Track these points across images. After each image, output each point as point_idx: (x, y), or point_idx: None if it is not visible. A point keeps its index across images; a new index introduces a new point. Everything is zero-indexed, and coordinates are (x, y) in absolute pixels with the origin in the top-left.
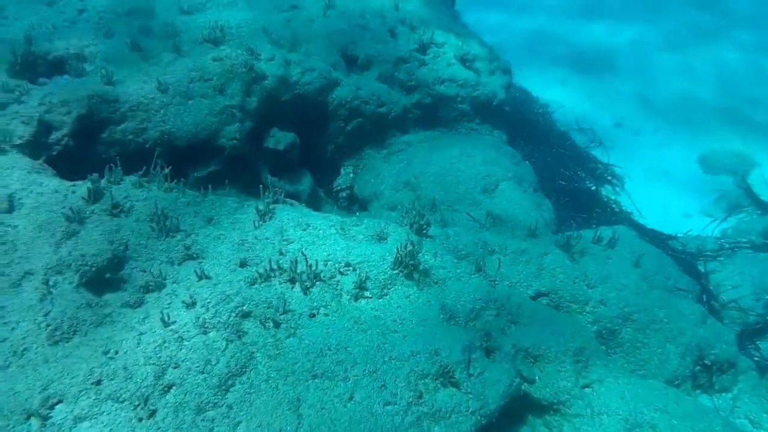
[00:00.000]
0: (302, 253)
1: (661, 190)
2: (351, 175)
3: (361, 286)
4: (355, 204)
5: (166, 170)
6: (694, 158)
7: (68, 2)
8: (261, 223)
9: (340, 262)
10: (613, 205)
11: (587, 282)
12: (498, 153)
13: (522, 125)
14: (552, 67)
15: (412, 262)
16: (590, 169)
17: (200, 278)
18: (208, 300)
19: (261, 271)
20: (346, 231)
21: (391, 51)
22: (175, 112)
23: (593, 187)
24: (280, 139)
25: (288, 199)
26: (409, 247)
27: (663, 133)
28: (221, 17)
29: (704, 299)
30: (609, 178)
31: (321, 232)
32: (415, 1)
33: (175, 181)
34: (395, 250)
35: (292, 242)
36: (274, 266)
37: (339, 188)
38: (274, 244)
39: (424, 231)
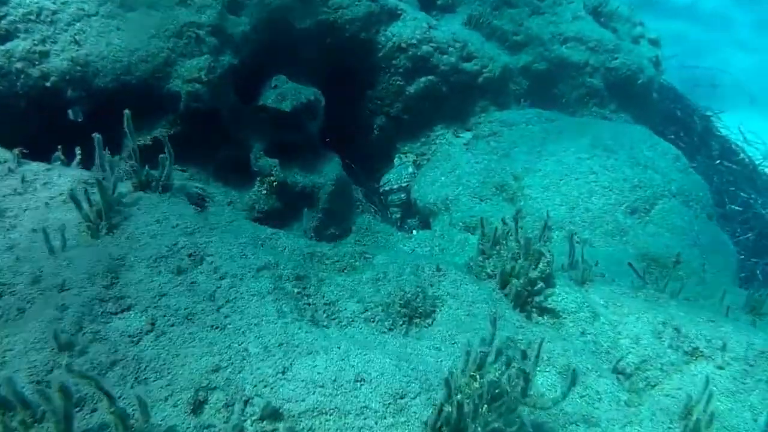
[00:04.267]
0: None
1: None
2: (410, 168)
3: None
4: (412, 216)
5: None
6: None
7: None
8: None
9: (260, 410)
10: None
11: None
12: (654, 151)
13: (671, 124)
14: None
15: (497, 423)
16: None
17: None
18: None
19: None
20: (307, 288)
21: None
22: (99, 29)
23: None
24: (287, 93)
25: (194, 183)
26: (507, 370)
27: None
28: None
29: None
30: None
31: (241, 286)
32: None
33: None
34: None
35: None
36: None
37: (389, 188)
38: None
39: (536, 299)
